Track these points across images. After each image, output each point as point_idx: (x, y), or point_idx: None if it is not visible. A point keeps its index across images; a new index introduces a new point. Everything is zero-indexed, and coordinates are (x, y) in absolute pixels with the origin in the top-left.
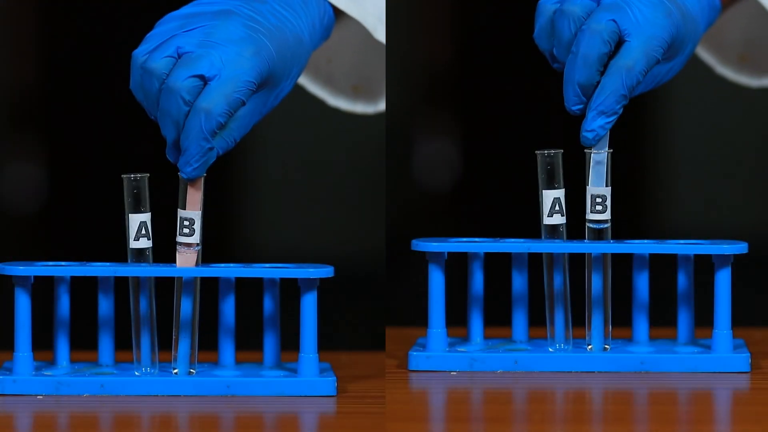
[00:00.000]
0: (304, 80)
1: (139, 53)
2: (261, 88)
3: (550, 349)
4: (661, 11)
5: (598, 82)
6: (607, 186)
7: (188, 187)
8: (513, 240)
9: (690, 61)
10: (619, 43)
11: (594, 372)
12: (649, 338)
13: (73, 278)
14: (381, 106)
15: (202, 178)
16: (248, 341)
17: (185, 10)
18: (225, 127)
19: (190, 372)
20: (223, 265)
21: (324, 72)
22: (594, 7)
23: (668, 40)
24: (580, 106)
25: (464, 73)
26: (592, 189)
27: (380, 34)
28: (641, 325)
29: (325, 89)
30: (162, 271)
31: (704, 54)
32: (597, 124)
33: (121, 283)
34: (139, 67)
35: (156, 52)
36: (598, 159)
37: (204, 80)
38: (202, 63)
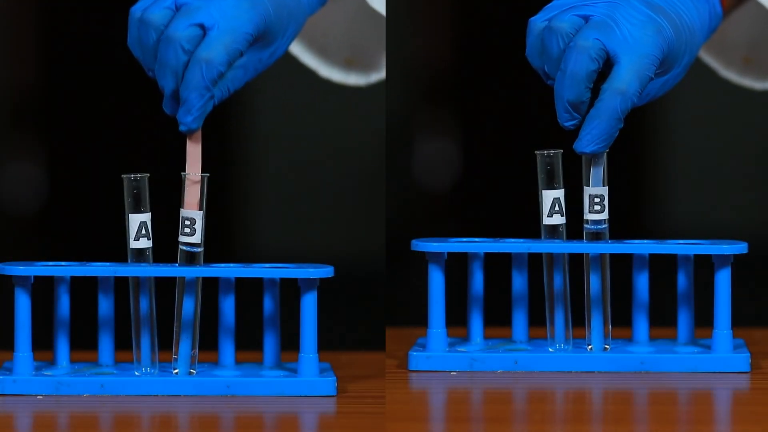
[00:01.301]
0: (297, 50)
1: (137, 9)
2: (257, 42)
3: (550, 349)
4: (650, 28)
5: (590, 99)
6: (604, 186)
7: (188, 142)
8: (513, 240)
9: (693, 64)
10: (610, 63)
11: (594, 372)
12: (649, 338)
13: (73, 278)
14: (373, 77)
15: (200, 132)
16: (248, 341)
17: None
18: (222, 77)
19: (191, 372)
20: (223, 265)
21: (318, 43)
22: (582, 24)
23: (659, 57)
24: (573, 122)
25: (464, 73)
26: (589, 189)
27: (376, 2)
28: (641, 325)
29: (318, 60)
30: (162, 271)
31: (708, 57)
32: (590, 149)
33: (121, 283)
34: (137, 21)
35: (154, 5)
36: (596, 160)
37: (203, 29)
38: (200, 13)
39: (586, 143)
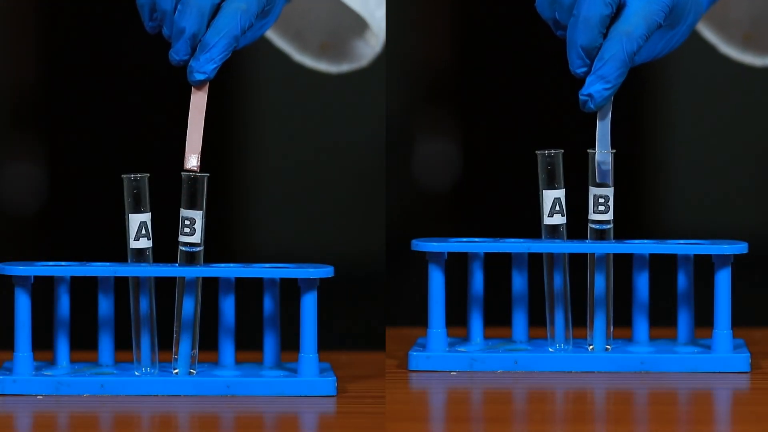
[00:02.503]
0: (271, 34)
1: None
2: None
3: (550, 349)
4: None
5: (602, 44)
6: (610, 186)
7: (195, 93)
8: (513, 240)
9: (694, 47)
10: (620, 7)
11: (594, 372)
12: (649, 338)
13: (73, 278)
14: (344, 67)
15: (208, 84)
16: (248, 341)
17: None
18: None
19: (191, 372)
20: (223, 265)
21: (294, 27)
22: None
23: (669, 4)
24: (585, 69)
25: (464, 73)
26: (594, 189)
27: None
28: (641, 325)
29: (292, 44)
30: (162, 271)
31: (708, 33)
32: (594, 89)
33: (121, 283)
34: None
35: None
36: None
37: None
38: None
39: (590, 83)
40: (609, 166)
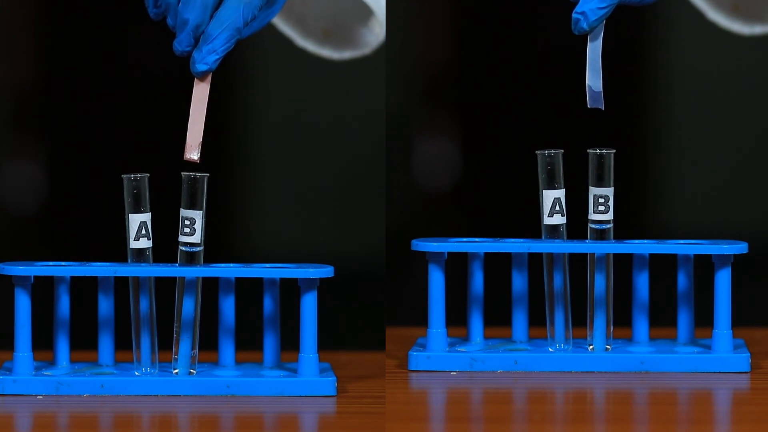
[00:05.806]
0: (275, 19)
1: None
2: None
3: (550, 349)
4: None
5: None
6: (609, 186)
7: (198, 84)
8: (513, 240)
9: (691, 46)
10: None
11: (594, 372)
12: (649, 338)
13: (73, 278)
14: (347, 53)
15: (211, 73)
16: (248, 341)
17: None
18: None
19: (191, 372)
20: (223, 265)
21: (296, 12)
22: None
23: None
24: None
25: (464, 73)
26: (594, 189)
27: None
28: (641, 325)
29: (295, 29)
30: (162, 271)
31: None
32: (588, 7)
33: (121, 283)
34: None
35: None
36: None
37: None
38: None
39: (584, 1)
40: (600, 89)
